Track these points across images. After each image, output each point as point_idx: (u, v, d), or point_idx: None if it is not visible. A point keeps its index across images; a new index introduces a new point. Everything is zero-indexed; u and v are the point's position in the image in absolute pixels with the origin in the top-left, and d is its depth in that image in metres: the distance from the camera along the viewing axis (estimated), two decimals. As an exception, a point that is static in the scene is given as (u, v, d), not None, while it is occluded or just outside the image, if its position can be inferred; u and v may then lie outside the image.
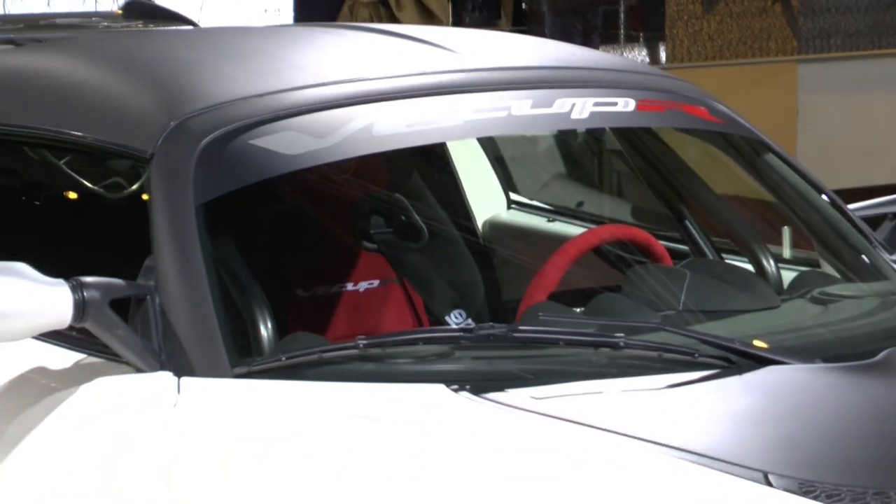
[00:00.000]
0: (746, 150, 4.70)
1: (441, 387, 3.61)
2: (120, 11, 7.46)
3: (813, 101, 13.12)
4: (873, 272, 4.43)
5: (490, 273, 4.87)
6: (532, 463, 3.23)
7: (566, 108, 4.32)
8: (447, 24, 10.64)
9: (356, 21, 10.16)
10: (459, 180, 5.17)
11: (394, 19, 10.28)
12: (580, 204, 5.32)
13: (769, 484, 3.27)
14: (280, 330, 3.98)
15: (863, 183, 10.74)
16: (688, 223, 4.77)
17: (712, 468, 3.31)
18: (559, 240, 4.72)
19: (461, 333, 3.92)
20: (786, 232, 4.95)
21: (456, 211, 5.07)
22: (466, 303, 4.49)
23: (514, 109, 4.27)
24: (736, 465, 3.32)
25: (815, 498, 3.24)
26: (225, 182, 4.05)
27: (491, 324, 3.95)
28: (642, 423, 3.48)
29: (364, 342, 3.82)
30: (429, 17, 10.34)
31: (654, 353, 3.78)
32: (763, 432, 3.54)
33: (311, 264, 4.62)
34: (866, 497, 3.25)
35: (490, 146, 5.33)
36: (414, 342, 3.91)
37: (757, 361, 3.76)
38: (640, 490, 3.18)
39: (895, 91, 11.59)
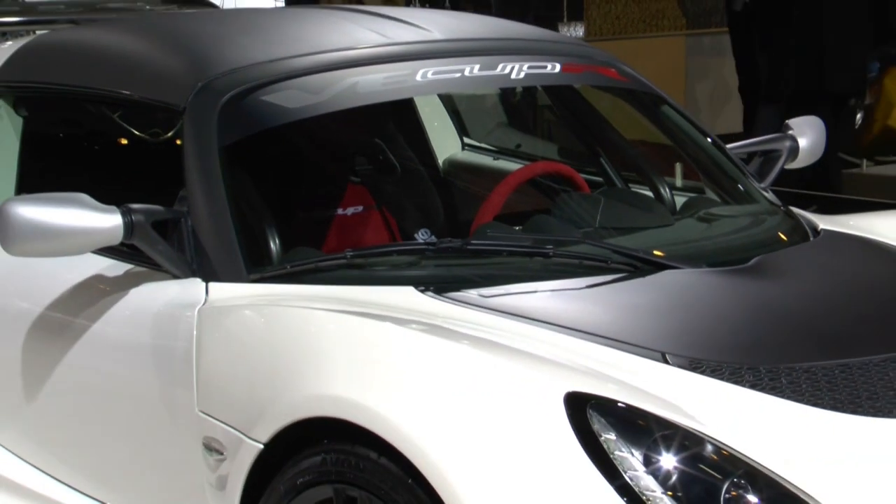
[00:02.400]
0: (647, 103, 4.69)
1: (410, 288, 3.61)
2: (159, -4, 7.46)
3: (697, 66, 13.16)
4: (746, 197, 4.42)
5: (449, 200, 4.85)
6: (478, 342, 3.22)
7: (507, 70, 4.31)
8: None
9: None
10: (424, 127, 5.16)
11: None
12: (518, 146, 5.30)
13: (666, 361, 3.28)
14: (285, 245, 3.96)
15: (737, 129, 10.73)
16: (602, 160, 4.76)
17: (621, 350, 3.31)
18: (502, 174, 4.72)
19: (426, 247, 3.90)
20: (678, 167, 4.94)
21: (421, 151, 5.06)
22: (430, 223, 4.48)
23: (467, 71, 4.26)
24: (640, 346, 3.33)
25: (701, 372, 3.24)
26: (241, 130, 4.04)
27: (449, 239, 3.96)
28: (566, 315, 3.48)
29: (351, 254, 3.82)
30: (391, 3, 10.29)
31: (576, 261, 3.77)
32: (661, 322, 3.53)
33: (310, 193, 4.61)
34: (741, 371, 3.25)
35: (448, 101, 5.31)
36: (389, 254, 3.92)
37: (656, 267, 3.75)
38: (564, 365, 3.17)
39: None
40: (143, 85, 4.21)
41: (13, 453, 4.34)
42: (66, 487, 4.19)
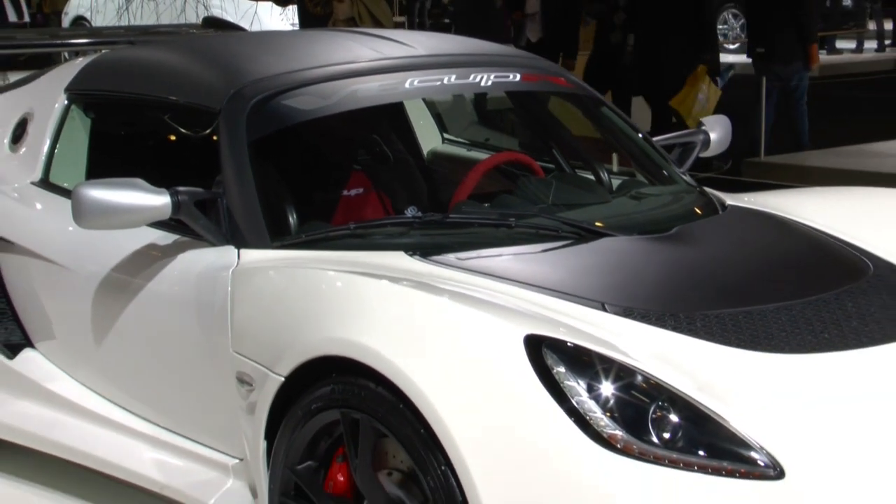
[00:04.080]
0: (589, 105, 4.69)
1: (401, 252, 3.61)
2: (200, 23, 7.45)
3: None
4: (669, 179, 4.42)
5: (431, 183, 4.85)
6: (456, 295, 3.22)
7: (477, 79, 4.31)
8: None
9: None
10: (411, 124, 5.15)
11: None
12: (487, 139, 5.29)
13: (605, 310, 3.29)
14: (301, 219, 3.96)
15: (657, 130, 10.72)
16: (554, 150, 4.75)
17: (569, 300, 3.32)
18: (474, 162, 4.70)
19: (413, 220, 3.90)
20: (614, 156, 4.95)
21: (410, 144, 5.04)
22: (417, 201, 4.46)
23: (445, 80, 4.26)
24: (584, 298, 3.34)
25: (633, 318, 3.25)
26: (266, 127, 4.04)
27: (432, 214, 3.97)
28: (525, 273, 3.48)
29: (353, 226, 3.83)
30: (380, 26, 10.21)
31: (533, 230, 3.77)
32: (601, 278, 3.54)
33: (320, 178, 4.60)
34: (665, 317, 3.26)
35: (430, 104, 5.30)
36: (384, 226, 3.91)
37: (597, 235, 3.74)
38: (523, 313, 3.17)
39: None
40: (187, 92, 4.20)
41: (87, 387, 4.34)
42: (127, 413, 4.20)
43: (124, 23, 17.68)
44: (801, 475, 2.81)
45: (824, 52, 10.93)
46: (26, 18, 16.68)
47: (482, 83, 4.32)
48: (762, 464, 2.82)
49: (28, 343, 4.53)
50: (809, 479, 2.81)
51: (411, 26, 20.07)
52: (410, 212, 4.20)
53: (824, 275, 3.69)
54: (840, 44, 20.28)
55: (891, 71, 19.13)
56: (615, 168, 4.81)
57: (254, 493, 3.59)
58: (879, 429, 2.97)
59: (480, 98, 5.59)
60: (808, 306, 3.39)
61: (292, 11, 13.37)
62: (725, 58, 11.57)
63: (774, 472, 2.81)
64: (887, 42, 21.65)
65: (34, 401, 4.44)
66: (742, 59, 14.72)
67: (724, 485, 2.77)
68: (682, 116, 9.95)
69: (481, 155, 4.96)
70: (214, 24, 7.03)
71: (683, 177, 4.45)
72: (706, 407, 2.90)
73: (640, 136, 4.58)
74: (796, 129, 10.94)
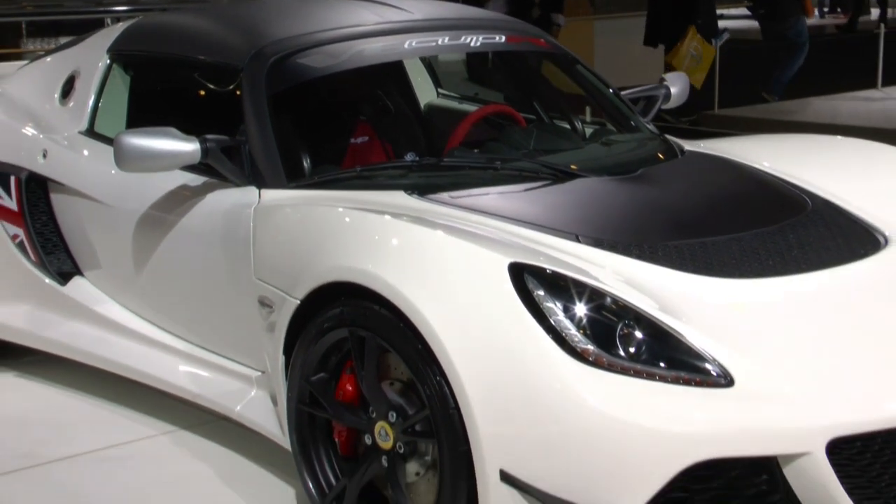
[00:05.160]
0: (567, 63, 4.64)
1: (401, 192, 3.59)
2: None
3: (603, 43, 13.05)
4: (634, 128, 4.39)
5: (428, 132, 4.81)
6: (449, 228, 3.19)
7: (467, 40, 4.27)
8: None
9: None
10: (410, 81, 5.11)
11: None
12: (476, 94, 5.25)
13: (578, 241, 3.27)
14: (314, 163, 3.93)
15: (627, 83, 10.70)
16: (535, 103, 4.71)
17: (547, 232, 3.30)
18: (465, 113, 4.67)
19: (412, 164, 3.88)
20: (587, 108, 4.91)
21: (408, 98, 5.01)
22: (415, 148, 4.44)
23: (439, 41, 4.22)
24: (560, 230, 3.32)
25: (603, 248, 3.24)
26: (283, 83, 3.99)
27: (428, 158, 3.95)
28: (509, 209, 3.46)
29: (360, 169, 3.81)
30: None
31: (516, 172, 3.74)
32: (575, 213, 3.51)
33: (331, 128, 4.56)
34: (630, 247, 3.25)
35: (426, 61, 5.25)
36: (387, 169, 3.90)
37: (572, 176, 3.72)
38: (508, 243, 3.15)
39: (640, 37, 11.58)
40: (213, 52, 4.16)
41: (129, 309, 4.34)
42: (164, 332, 4.19)
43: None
44: (747, 383, 2.81)
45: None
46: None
47: (472, 44, 4.28)
48: (714, 374, 2.81)
49: (77, 271, 4.52)
50: (755, 386, 2.81)
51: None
52: (409, 157, 4.18)
53: (769, 210, 3.67)
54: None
55: (830, 35, 19.12)
56: (588, 118, 4.78)
57: (274, 401, 3.59)
58: (815, 342, 2.97)
59: (470, 57, 5.54)
60: (755, 237, 3.37)
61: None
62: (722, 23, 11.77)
63: (725, 380, 2.81)
64: (826, 10, 21.62)
65: (83, 321, 4.44)
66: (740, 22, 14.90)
67: (681, 392, 2.77)
68: (675, 69, 10.08)
69: (471, 107, 4.93)
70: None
71: (647, 126, 4.43)
72: (666, 325, 2.89)
73: (611, 90, 4.54)
74: (777, 76, 11.09)
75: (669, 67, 10.32)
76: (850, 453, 2.78)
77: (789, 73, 11.12)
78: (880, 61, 11.75)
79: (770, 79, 11.31)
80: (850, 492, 2.76)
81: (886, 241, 3.48)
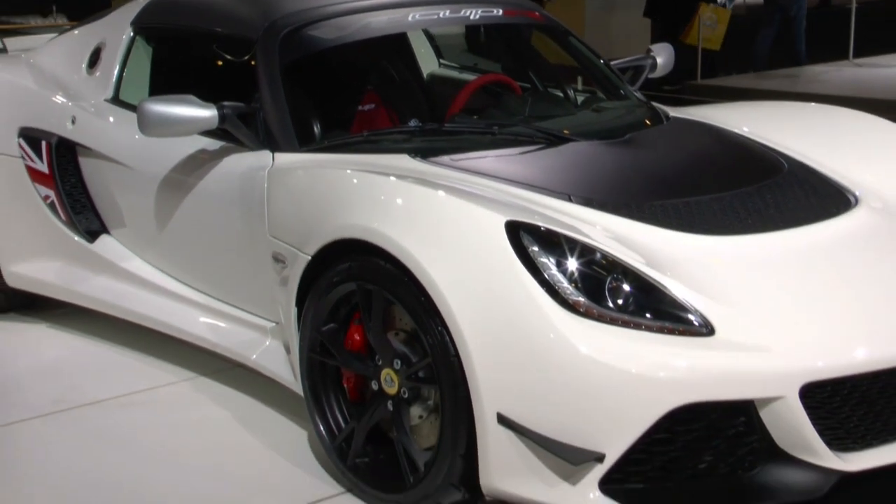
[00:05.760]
0: (560, 35, 4.60)
1: (405, 155, 3.57)
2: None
3: (593, 16, 12.97)
4: (623, 96, 4.36)
5: (430, 99, 4.78)
6: (450, 189, 3.16)
7: (467, 14, 4.24)
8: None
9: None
10: (413, 51, 5.06)
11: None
12: (475, 64, 5.20)
13: (570, 200, 3.25)
14: (324, 129, 3.91)
15: (615, 56, 10.65)
16: (529, 72, 4.67)
17: (541, 193, 3.28)
18: (465, 82, 4.63)
19: (415, 129, 3.85)
20: (579, 77, 4.88)
21: (412, 68, 4.96)
22: (418, 115, 4.40)
23: (441, 14, 4.19)
24: (553, 191, 3.30)
25: (593, 207, 3.22)
26: (295, 54, 3.96)
27: (430, 124, 3.92)
28: (506, 171, 3.44)
29: (367, 134, 3.79)
30: None
31: (513, 137, 3.72)
32: (567, 175, 3.49)
33: (340, 95, 4.52)
34: (619, 206, 3.23)
35: (429, 34, 5.21)
36: (392, 134, 3.87)
37: (564, 140, 3.70)
38: (505, 203, 3.13)
39: (631, 9, 11.48)
40: (229, 24, 4.12)
41: (152, 265, 4.33)
42: (185, 286, 4.18)
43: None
44: (727, 332, 2.80)
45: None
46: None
47: (471, 17, 4.25)
48: (696, 323, 2.80)
49: (104, 230, 4.51)
50: (733, 335, 2.80)
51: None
52: (413, 123, 4.14)
53: (748, 172, 3.64)
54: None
55: (808, 8, 18.91)
56: (580, 86, 4.75)
57: (287, 350, 3.59)
58: (790, 294, 2.96)
59: (469, 30, 5.49)
60: (734, 197, 3.36)
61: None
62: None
63: (706, 329, 2.80)
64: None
65: (110, 277, 4.43)
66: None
67: (665, 341, 2.76)
68: (691, 45, 10.29)
69: (471, 76, 4.89)
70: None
71: (635, 94, 4.40)
72: (652, 278, 2.88)
73: (602, 61, 4.51)
74: (794, 50, 11.13)
75: (683, 46, 10.26)
76: (821, 397, 2.78)
77: (803, 42, 11.13)
78: (852, 34, 11.73)
79: (751, 53, 11.24)
80: (822, 433, 2.77)
81: (857, 201, 3.46)
